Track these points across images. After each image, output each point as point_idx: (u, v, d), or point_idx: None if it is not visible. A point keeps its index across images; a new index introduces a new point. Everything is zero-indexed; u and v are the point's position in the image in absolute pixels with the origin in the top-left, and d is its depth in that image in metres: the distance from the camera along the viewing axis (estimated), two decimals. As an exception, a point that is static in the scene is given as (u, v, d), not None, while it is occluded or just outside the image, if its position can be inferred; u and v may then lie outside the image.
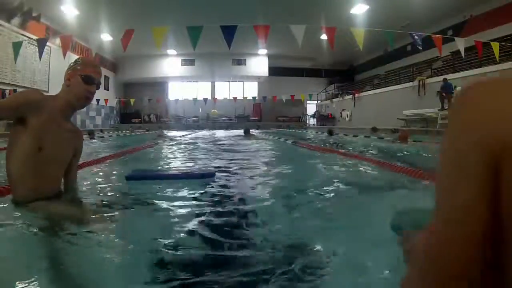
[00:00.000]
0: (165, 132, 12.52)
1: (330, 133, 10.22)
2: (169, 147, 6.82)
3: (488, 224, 0.34)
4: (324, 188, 2.31)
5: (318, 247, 1.23)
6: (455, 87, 9.90)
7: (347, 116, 17.91)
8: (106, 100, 17.15)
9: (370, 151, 5.40)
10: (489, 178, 0.35)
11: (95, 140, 8.30)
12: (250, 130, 10.88)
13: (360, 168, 3.27)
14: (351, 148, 6.11)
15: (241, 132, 11.47)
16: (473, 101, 0.38)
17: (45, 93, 1.65)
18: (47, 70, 12.70)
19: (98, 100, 16.17)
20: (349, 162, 3.71)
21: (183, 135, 11.45)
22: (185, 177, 2.52)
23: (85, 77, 1.61)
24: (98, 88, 1.68)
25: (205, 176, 2.53)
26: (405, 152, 4.99)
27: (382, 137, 7.76)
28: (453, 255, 0.35)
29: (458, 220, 0.36)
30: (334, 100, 20.57)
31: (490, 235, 0.34)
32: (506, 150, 0.33)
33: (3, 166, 1.54)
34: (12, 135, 1.52)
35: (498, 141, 0.34)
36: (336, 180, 2.55)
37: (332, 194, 2.19)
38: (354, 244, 1.20)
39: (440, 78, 10.90)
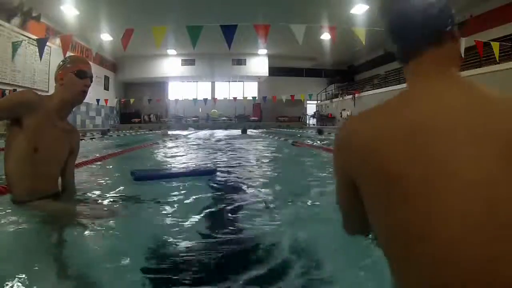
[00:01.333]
0: (168, 132, 13.03)
1: (320, 132, 11.37)
2: (173, 145, 7.04)
3: (351, 200, 0.71)
4: (319, 183, 2.32)
5: (318, 245, 1.23)
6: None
7: (347, 116, 17.91)
8: (106, 100, 17.13)
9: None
10: (348, 183, 0.69)
11: (90, 140, 8.46)
12: (248, 130, 11.63)
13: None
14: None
15: (239, 131, 12.16)
16: (343, 137, 0.71)
17: (45, 93, 1.66)
18: (47, 70, 12.68)
19: (98, 100, 16.16)
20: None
21: (185, 135, 11.85)
22: (189, 175, 2.67)
23: (78, 72, 1.63)
24: (91, 81, 1.69)
25: (206, 174, 2.74)
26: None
27: None
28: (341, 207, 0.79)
29: (341, 202, 0.77)
30: (334, 100, 20.55)
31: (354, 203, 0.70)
32: (355, 175, 0.66)
33: (2, 166, 1.54)
34: (9, 136, 1.53)
35: (351, 170, 0.67)
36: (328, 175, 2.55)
37: (328, 190, 2.19)
38: (353, 242, 1.20)
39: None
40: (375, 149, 0.62)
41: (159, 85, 23.08)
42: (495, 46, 7.80)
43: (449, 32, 0.71)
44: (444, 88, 0.65)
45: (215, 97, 21.81)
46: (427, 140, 0.58)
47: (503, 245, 0.50)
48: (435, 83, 0.66)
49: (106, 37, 13.64)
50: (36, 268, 1.03)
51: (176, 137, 10.00)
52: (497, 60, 8.41)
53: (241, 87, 24.00)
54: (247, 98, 20.62)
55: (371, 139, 0.63)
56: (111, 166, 3.62)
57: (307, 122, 23.35)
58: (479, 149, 0.56)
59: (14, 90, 10.48)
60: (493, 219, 0.51)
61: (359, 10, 13.04)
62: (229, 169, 3.27)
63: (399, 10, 0.73)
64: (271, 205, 1.87)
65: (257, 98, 21.05)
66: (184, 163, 4.25)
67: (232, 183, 2.60)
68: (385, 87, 15.78)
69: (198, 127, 19.58)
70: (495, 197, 0.52)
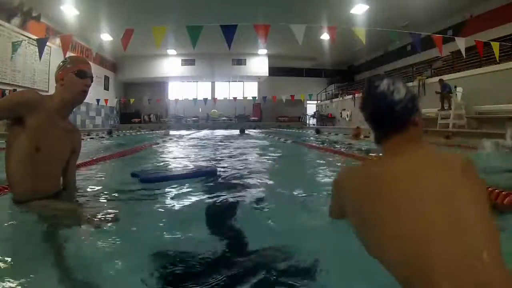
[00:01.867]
0: (170, 131, 13.17)
1: (318, 131, 12.03)
2: (175, 145, 7.14)
3: (339, 211, 1.10)
4: (318, 181, 2.32)
5: (318, 245, 1.23)
6: (455, 87, 9.91)
7: (347, 116, 17.88)
8: (106, 100, 17.12)
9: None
10: (340, 202, 1.08)
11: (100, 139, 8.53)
12: (246, 130, 12.45)
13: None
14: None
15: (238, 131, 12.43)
16: (337, 180, 1.12)
17: (45, 93, 1.66)
18: (47, 70, 12.68)
19: (98, 100, 16.16)
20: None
21: (186, 134, 11.95)
22: (191, 177, 2.66)
23: (78, 72, 1.63)
24: (91, 81, 1.69)
25: (208, 174, 2.75)
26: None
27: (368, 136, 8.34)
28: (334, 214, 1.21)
29: (331, 210, 1.21)
30: (334, 100, 20.54)
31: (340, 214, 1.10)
32: (342, 196, 1.06)
33: (3, 166, 1.54)
34: (10, 135, 1.53)
35: (341, 194, 1.06)
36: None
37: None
38: (352, 240, 1.20)
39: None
40: (356, 198, 0.94)
41: (159, 85, 23.08)
42: (495, 46, 7.79)
43: (412, 121, 0.95)
44: (404, 159, 0.91)
45: (215, 97, 21.80)
46: (395, 189, 0.84)
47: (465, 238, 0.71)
48: (400, 155, 0.93)
49: (106, 37, 13.65)
50: (37, 268, 1.03)
51: (178, 137, 10.08)
52: (497, 60, 8.40)
53: (241, 87, 24.00)
54: (247, 98, 20.61)
55: (352, 191, 0.97)
56: (113, 166, 3.62)
57: (307, 122, 23.34)
58: (429, 181, 0.82)
59: (14, 90, 10.49)
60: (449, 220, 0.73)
61: (359, 10, 13.05)
62: (229, 168, 3.28)
63: (372, 110, 0.99)
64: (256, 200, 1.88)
65: (257, 98, 21.04)
66: (187, 160, 4.26)
67: (232, 183, 2.60)
68: (385, 87, 15.75)
69: (198, 127, 19.59)
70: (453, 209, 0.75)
